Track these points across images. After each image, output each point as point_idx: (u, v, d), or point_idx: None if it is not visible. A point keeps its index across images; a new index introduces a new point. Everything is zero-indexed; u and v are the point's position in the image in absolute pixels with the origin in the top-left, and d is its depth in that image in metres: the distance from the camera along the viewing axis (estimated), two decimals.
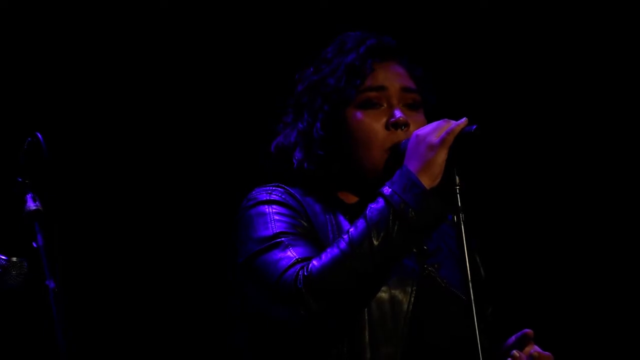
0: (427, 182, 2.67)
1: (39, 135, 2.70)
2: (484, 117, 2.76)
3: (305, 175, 2.92)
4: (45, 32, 4.38)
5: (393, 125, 2.87)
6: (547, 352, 2.80)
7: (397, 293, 2.77)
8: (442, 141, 2.69)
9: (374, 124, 2.88)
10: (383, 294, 2.74)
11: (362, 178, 2.89)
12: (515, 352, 2.77)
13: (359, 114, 2.89)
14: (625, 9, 4.65)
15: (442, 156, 2.68)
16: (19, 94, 4.30)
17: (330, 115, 2.90)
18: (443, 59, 4.57)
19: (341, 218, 2.86)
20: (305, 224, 2.81)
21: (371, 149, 2.86)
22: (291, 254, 2.68)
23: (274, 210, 2.80)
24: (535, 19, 4.72)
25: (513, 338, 2.83)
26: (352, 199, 2.94)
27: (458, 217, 2.66)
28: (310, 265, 2.62)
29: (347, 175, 2.92)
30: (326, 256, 2.63)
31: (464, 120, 2.73)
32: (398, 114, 2.87)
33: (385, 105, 2.90)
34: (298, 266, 2.64)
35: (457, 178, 2.70)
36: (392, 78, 2.93)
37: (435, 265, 2.88)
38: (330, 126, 2.90)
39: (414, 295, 2.78)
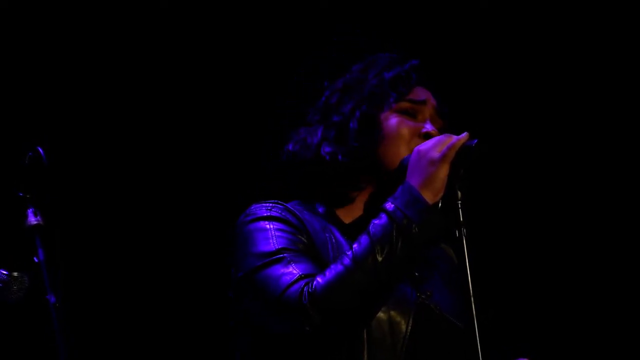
0: (429, 197, 2.67)
1: (40, 150, 2.70)
2: (482, 121, 2.76)
3: (336, 168, 2.92)
4: (45, 43, 4.38)
5: (425, 136, 2.89)
6: None
7: (395, 314, 2.77)
8: (444, 156, 2.70)
9: (406, 129, 2.91)
10: (382, 314, 2.74)
11: (381, 178, 2.90)
12: None
13: (395, 118, 2.92)
14: (625, 9, 4.65)
15: (443, 171, 2.69)
16: (20, 108, 4.30)
17: (366, 113, 2.93)
18: (442, 60, 4.57)
19: (341, 238, 2.87)
20: (305, 240, 2.80)
21: (397, 146, 2.89)
22: (294, 270, 2.68)
23: (274, 227, 2.80)
24: (535, 19, 4.72)
25: None
26: (350, 218, 2.95)
27: (460, 232, 2.66)
28: (315, 281, 2.62)
29: (368, 176, 2.93)
30: (330, 272, 2.63)
31: (465, 135, 2.74)
32: (431, 127, 2.92)
33: (419, 117, 2.95)
34: (302, 282, 2.64)
35: (458, 193, 2.71)
36: (429, 98, 2.98)
37: (428, 293, 2.88)
38: (365, 123, 2.92)
39: (412, 317, 2.78)
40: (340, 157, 2.92)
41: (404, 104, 2.94)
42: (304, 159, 2.97)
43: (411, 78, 2.96)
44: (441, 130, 2.95)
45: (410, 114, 2.94)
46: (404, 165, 2.80)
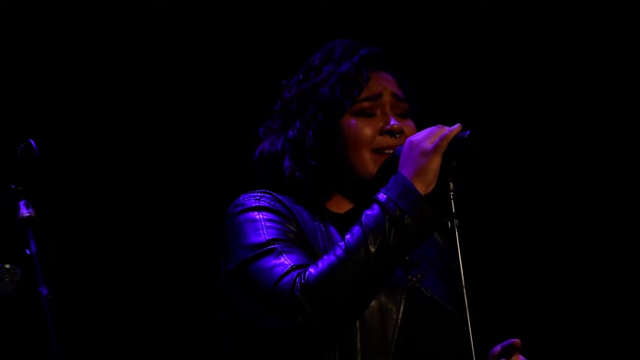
0: (421, 188, 2.67)
1: (32, 142, 2.69)
2: (480, 119, 2.76)
3: (296, 184, 2.92)
4: (40, 39, 4.37)
5: (388, 132, 2.88)
6: None
7: (386, 301, 2.77)
8: (436, 147, 2.69)
9: (367, 129, 2.89)
10: (373, 302, 2.74)
11: (353, 181, 2.89)
12: None
13: (354, 122, 2.89)
14: (625, 9, 4.65)
15: (436, 162, 2.68)
16: (12, 101, 4.30)
17: (323, 124, 2.90)
18: (441, 59, 4.57)
19: (330, 227, 2.86)
20: (295, 229, 2.80)
21: (361, 149, 2.87)
22: (286, 260, 2.68)
23: (264, 217, 2.79)
24: (535, 19, 4.72)
25: (499, 347, 2.82)
26: (339, 208, 2.94)
27: (452, 223, 2.66)
28: (307, 272, 2.62)
29: (338, 182, 2.93)
30: (323, 263, 2.63)
31: (457, 126, 2.73)
32: (393, 121, 2.89)
33: (378, 113, 2.91)
34: (294, 273, 2.63)
35: (450, 184, 2.70)
36: (384, 87, 2.93)
37: (419, 276, 2.88)
38: (323, 135, 2.90)
39: (403, 304, 2.79)
40: (298, 174, 2.91)
41: (360, 105, 2.90)
42: (269, 168, 2.97)
43: (362, 74, 2.91)
44: (404, 113, 2.94)
45: (368, 113, 2.90)
46: (395, 155, 2.79)
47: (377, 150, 2.87)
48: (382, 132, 2.88)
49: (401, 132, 2.88)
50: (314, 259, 2.68)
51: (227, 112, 4.53)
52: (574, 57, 4.73)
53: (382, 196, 2.68)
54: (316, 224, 2.85)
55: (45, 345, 2.56)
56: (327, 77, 2.92)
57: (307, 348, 2.70)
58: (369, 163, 2.86)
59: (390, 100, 2.92)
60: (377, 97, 2.91)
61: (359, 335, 2.72)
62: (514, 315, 4.64)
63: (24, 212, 2.66)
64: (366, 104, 2.91)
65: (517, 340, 2.79)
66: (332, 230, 2.85)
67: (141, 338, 4.49)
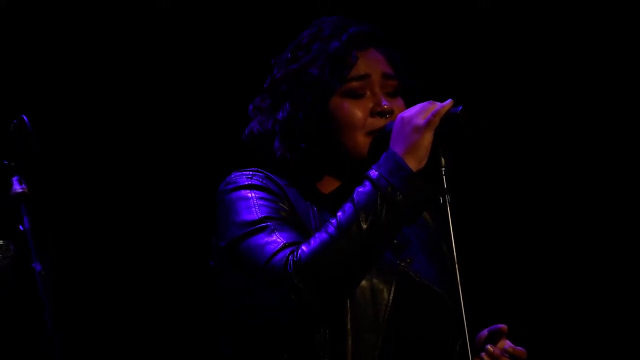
0: (413, 164, 2.67)
1: (25, 117, 2.69)
2: (481, 114, 2.76)
3: (287, 166, 2.91)
4: (39, 29, 4.38)
5: (378, 114, 2.87)
6: (520, 347, 2.81)
7: (377, 282, 2.77)
8: (428, 123, 2.69)
9: (358, 111, 2.87)
10: (364, 282, 2.75)
11: (345, 162, 2.89)
12: (489, 346, 2.79)
13: (344, 104, 2.88)
14: (625, 9, 4.66)
15: (428, 138, 2.68)
16: (4, 77, 4.29)
17: (313, 106, 2.88)
18: (441, 56, 4.58)
19: (322, 207, 2.86)
20: (287, 208, 2.80)
21: (354, 132, 2.86)
22: (278, 238, 2.68)
23: (256, 195, 2.79)
24: (534, 16, 4.73)
25: (485, 332, 2.84)
26: (330, 188, 2.94)
27: (444, 199, 2.67)
28: (300, 250, 2.62)
29: (330, 163, 2.92)
30: (315, 241, 2.63)
31: (449, 101, 2.73)
32: (384, 102, 2.87)
33: (368, 93, 2.90)
34: (287, 250, 2.64)
35: (442, 160, 2.71)
36: (373, 66, 2.91)
37: (408, 260, 2.88)
38: (313, 118, 2.88)
39: (394, 285, 2.79)
40: (289, 156, 2.90)
41: (349, 85, 2.88)
42: (258, 148, 2.96)
43: (351, 54, 2.88)
44: (394, 92, 2.92)
45: (358, 94, 2.89)
46: (386, 131, 2.79)
47: (370, 133, 2.86)
48: (373, 113, 2.88)
49: (391, 112, 2.86)
50: (306, 237, 2.67)
51: (225, 111, 4.51)
52: (573, 55, 4.75)
53: (373, 173, 2.68)
54: (308, 203, 2.85)
55: (38, 320, 2.57)
56: (316, 56, 2.90)
57: (299, 326, 2.71)
58: (363, 146, 2.86)
59: (379, 80, 2.90)
60: (366, 77, 2.89)
61: (349, 316, 2.73)
62: (502, 298, 4.66)
63: (17, 187, 2.66)
64: (355, 84, 2.89)
65: (503, 326, 2.81)
66: (325, 210, 2.85)
67: (136, 312, 4.50)
